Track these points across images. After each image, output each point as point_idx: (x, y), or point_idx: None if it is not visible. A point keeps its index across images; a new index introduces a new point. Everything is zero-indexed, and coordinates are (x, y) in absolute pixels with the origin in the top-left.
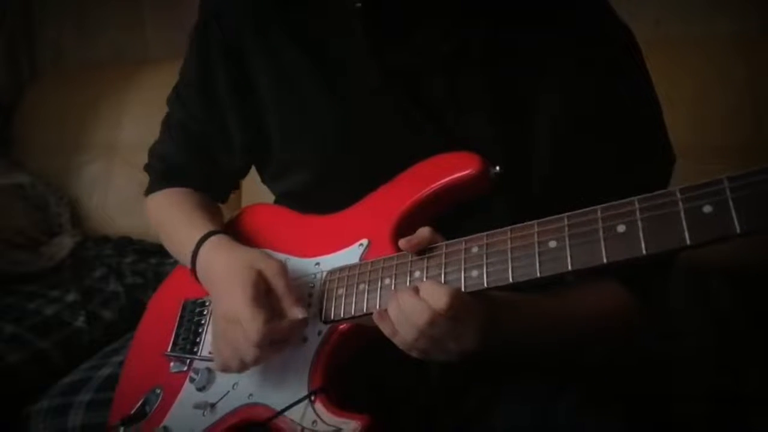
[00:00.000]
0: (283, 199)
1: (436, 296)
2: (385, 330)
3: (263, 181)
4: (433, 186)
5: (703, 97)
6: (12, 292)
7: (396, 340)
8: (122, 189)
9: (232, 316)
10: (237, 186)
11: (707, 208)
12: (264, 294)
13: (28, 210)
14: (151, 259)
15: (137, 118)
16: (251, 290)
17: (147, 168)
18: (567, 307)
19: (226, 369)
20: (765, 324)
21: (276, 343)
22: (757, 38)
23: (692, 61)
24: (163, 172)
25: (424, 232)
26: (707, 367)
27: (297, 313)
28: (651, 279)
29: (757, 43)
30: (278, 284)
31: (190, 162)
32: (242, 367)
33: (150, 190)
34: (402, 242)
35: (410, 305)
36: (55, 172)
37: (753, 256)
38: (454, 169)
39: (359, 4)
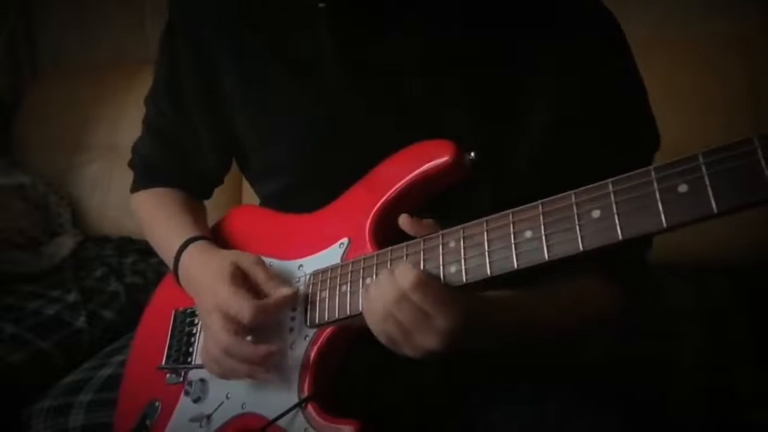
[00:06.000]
0: (269, 200)
1: (404, 274)
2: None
3: (250, 184)
4: (408, 177)
5: (703, 96)
6: (12, 292)
7: (366, 317)
8: (122, 189)
9: (218, 304)
10: (220, 182)
11: (683, 187)
12: (243, 281)
13: (29, 210)
14: (151, 259)
15: (137, 119)
16: (229, 278)
17: (130, 165)
18: (544, 302)
19: (218, 371)
20: (761, 321)
21: (264, 333)
22: (756, 38)
23: (691, 61)
24: (143, 171)
25: (429, 222)
26: (703, 366)
27: (283, 290)
28: (626, 260)
29: (756, 43)
30: (256, 272)
31: (167, 161)
32: (235, 367)
33: (134, 188)
34: (403, 218)
35: (383, 279)
36: (56, 172)
37: (753, 254)
38: (429, 157)
39: (323, 5)
